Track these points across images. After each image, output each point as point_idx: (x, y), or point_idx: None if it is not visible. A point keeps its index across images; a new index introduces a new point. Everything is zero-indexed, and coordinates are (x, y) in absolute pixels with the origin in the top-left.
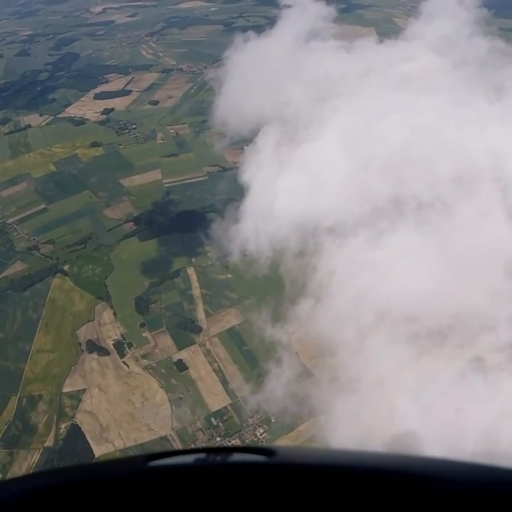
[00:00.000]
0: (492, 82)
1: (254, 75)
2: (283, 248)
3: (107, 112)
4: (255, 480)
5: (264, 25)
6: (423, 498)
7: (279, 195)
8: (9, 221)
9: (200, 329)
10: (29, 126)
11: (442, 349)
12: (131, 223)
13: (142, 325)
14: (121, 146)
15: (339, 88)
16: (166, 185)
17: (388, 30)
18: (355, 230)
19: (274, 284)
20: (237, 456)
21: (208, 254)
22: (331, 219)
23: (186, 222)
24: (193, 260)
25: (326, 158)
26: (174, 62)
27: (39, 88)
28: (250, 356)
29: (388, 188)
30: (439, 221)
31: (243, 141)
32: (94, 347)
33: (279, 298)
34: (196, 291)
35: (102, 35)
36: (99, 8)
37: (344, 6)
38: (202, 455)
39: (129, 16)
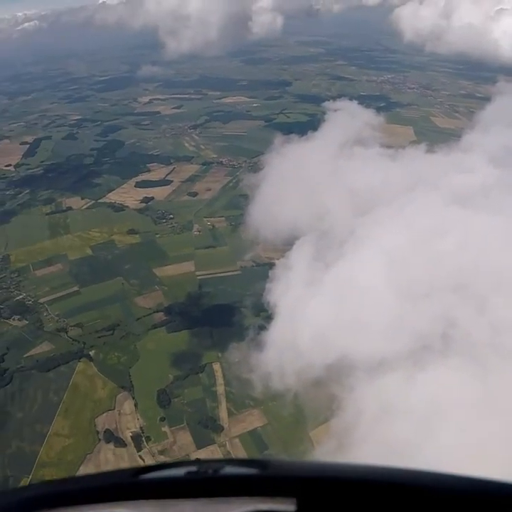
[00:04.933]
0: None
1: (292, 179)
2: (308, 382)
3: (146, 200)
4: (247, 493)
5: (304, 122)
6: (413, 509)
7: (308, 324)
8: (41, 300)
9: (222, 428)
10: (70, 208)
11: None
12: (161, 313)
13: (162, 419)
14: (157, 235)
15: (383, 200)
16: (198, 277)
17: (426, 128)
18: (393, 369)
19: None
20: (228, 469)
21: (236, 351)
22: (364, 354)
23: (216, 316)
24: (220, 356)
25: (363, 281)
26: (215, 155)
27: (83, 172)
28: None
29: (434, 322)
30: (495, 364)
31: (279, 240)
32: (112, 437)
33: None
34: (220, 388)
35: (147, 124)
36: (146, 99)
37: (383, 104)
38: (193, 468)
39: (174, 108)
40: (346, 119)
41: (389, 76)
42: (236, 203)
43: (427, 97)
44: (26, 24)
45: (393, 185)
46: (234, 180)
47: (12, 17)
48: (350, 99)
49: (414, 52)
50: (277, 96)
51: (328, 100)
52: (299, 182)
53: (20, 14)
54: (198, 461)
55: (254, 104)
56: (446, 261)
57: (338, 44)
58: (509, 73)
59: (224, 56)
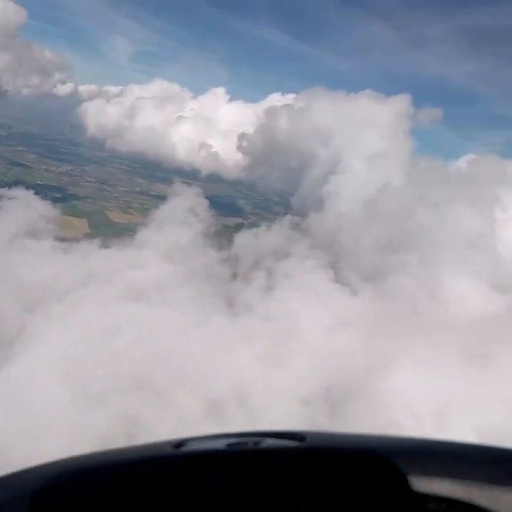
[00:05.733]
0: (226, 294)
1: None
2: None
3: None
4: (291, 465)
5: None
6: (455, 478)
7: None
8: None
9: None
10: None
11: None
12: None
13: None
14: None
15: (56, 296)
16: None
17: (100, 222)
18: None
19: None
20: (269, 441)
21: None
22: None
23: None
24: None
25: (36, 382)
26: None
27: None
28: None
29: (117, 421)
30: None
31: None
32: None
33: None
34: None
35: None
36: None
37: (60, 195)
38: (234, 440)
39: None
40: (20, 208)
41: (68, 168)
42: None
43: (104, 192)
44: None
45: (67, 280)
46: None
47: None
48: (27, 187)
49: (96, 147)
50: None
51: (3, 185)
52: None
53: None
54: (236, 434)
55: None
56: (125, 357)
57: (22, 128)
58: (183, 175)
59: None
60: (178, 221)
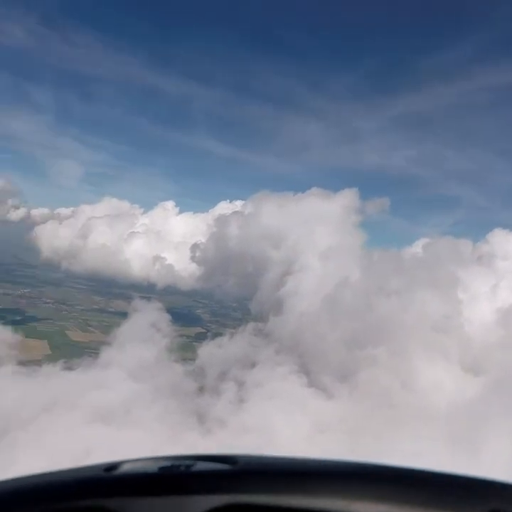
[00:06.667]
0: (196, 409)
1: None
2: None
3: None
4: (220, 488)
5: None
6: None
7: None
8: None
9: None
10: None
11: None
12: None
13: None
14: None
15: (19, 423)
16: None
17: (61, 342)
18: None
19: None
20: (201, 465)
21: None
22: None
23: None
24: None
25: None
26: None
27: None
28: None
29: None
30: None
31: None
32: None
33: None
34: None
35: None
36: None
37: (19, 318)
38: (166, 463)
39: None
40: None
41: (25, 290)
42: None
43: (62, 312)
44: None
45: (31, 406)
46: None
47: None
48: None
49: (51, 268)
50: None
51: None
52: None
53: None
54: (168, 457)
55: None
56: None
57: None
58: (139, 290)
59: None
60: (141, 337)
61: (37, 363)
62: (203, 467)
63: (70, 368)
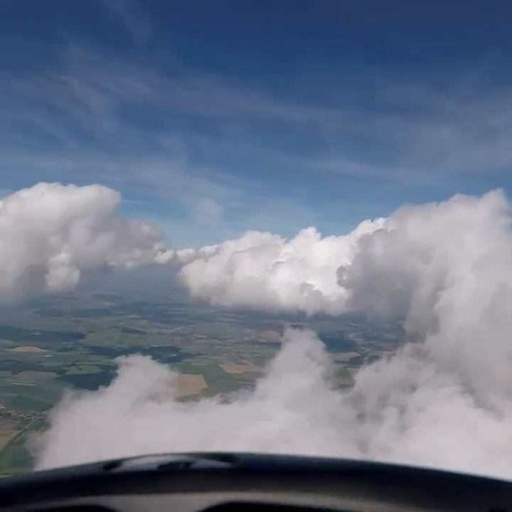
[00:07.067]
0: (357, 438)
1: (82, 436)
2: None
3: None
4: (220, 486)
5: (96, 374)
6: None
7: None
8: None
9: None
10: None
11: None
12: None
13: None
14: None
15: None
16: None
17: (215, 376)
18: None
19: None
20: (200, 463)
21: None
22: None
23: None
24: None
25: None
26: (2, 407)
27: None
28: None
29: None
30: None
31: None
32: None
33: None
34: None
35: None
36: None
37: (174, 355)
38: (165, 460)
39: None
40: (138, 373)
41: (178, 328)
42: (23, 460)
43: (215, 346)
44: None
45: (190, 441)
46: (22, 434)
47: None
48: (143, 351)
49: (202, 305)
50: (70, 347)
51: (121, 352)
52: (89, 440)
53: None
54: (169, 454)
55: (47, 355)
56: None
57: (130, 298)
58: (289, 319)
59: (17, 306)
60: (295, 366)
61: (194, 397)
62: (203, 465)
63: (226, 401)
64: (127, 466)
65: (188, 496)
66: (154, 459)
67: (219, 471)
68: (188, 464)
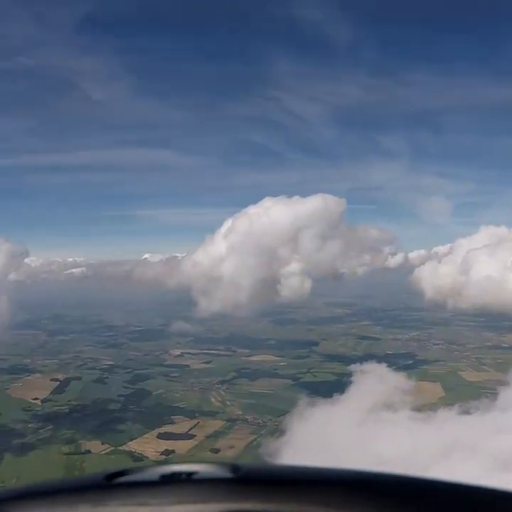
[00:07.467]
0: None
1: (317, 443)
2: None
3: (166, 453)
4: (222, 496)
5: (331, 381)
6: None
7: None
8: None
9: None
10: (89, 451)
11: None
12: None
13: None
14: None
15: (415, 468)
16: None
17: (454, 383)
18: None
19: None
20: (202, 473)
21: None
22: None
23: None
24: None
25: None
26: (240, 412)
27: (108, 417)
28: None
29: None
30: None
31: None
32: None
33: None
34: None
35: (176, 377)
36: (177, 352)
37: (410, 361)
38: (167, 472)
39: (203, 363)
40: (373, 381)
41: (414, 334)
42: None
43: (453, 352)
44: (74, 269)
45: (427, 452)
46: (258, 439)
47: (62, 260)
48: (377, 358)
49: (437, 308)
50: (304, 355)
51: (355, 359)
52: (323, 448)
53: (70, 260)
54: (172, 465)
55: (282, 363)
56: None
57: (363, 305)
58: None
59: (253, 316)
60: None
61: (431, 406)
62: (205, 475)
63: (466, 412)
64: (129, 476)
65: (189, 507)
66: (156, 470)
67: (220, 481)
68: (189, 474)
